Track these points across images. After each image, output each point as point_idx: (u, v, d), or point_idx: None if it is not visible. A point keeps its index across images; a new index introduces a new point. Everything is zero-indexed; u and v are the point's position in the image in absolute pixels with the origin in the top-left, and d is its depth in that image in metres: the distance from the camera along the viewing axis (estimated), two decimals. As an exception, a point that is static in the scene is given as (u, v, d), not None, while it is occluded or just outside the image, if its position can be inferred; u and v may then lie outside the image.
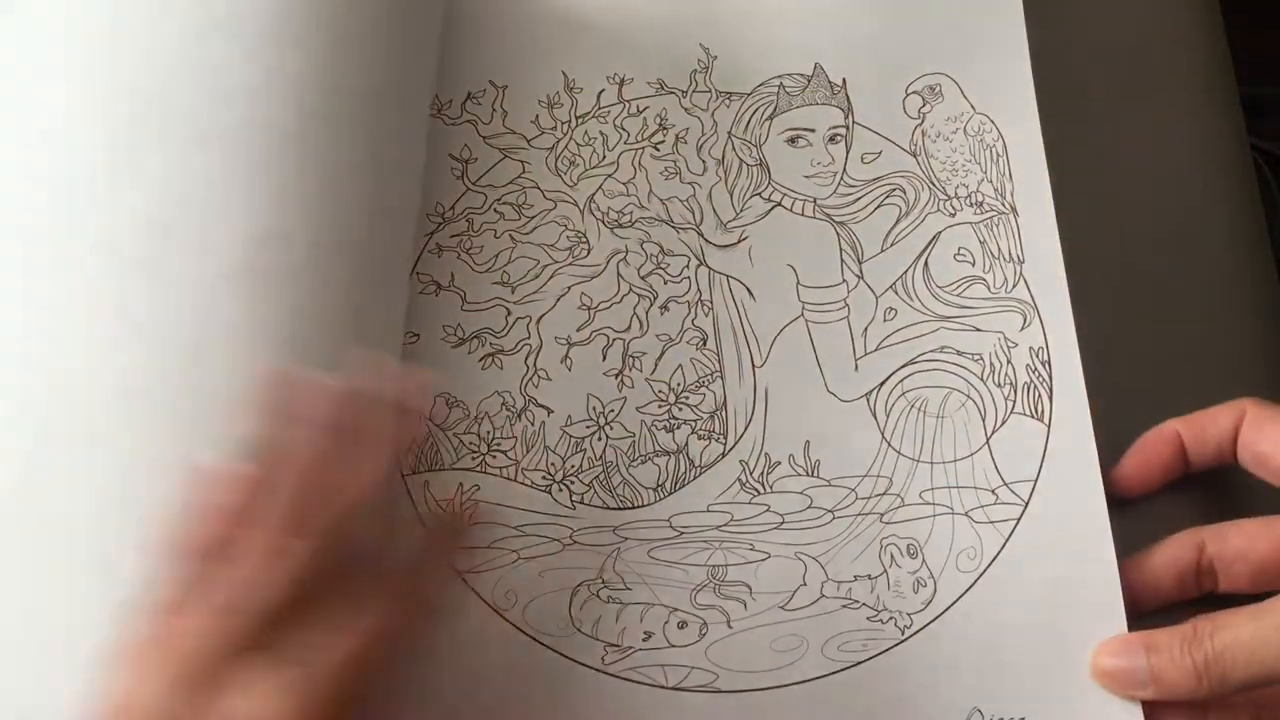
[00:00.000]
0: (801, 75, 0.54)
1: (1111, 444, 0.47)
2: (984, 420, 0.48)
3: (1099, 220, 0.52)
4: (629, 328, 0.50)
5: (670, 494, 0.47)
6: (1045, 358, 0.49)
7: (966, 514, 0.47)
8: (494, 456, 0.48)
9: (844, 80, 0.53)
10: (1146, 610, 0.46)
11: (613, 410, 0.48)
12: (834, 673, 0.44)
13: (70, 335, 0.41)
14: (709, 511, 0.47)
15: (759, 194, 0.52)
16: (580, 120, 0.53)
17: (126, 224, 0.42)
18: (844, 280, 0.51)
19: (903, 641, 0.45)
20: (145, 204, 0.42)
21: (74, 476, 0.40)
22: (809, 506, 0.47)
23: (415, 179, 0.48)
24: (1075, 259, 0.50)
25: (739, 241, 0.51)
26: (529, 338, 0.49)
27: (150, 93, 0.43)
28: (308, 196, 0.43)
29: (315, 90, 0.44)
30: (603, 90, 0.53)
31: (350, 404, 0.37)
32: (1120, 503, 0.47)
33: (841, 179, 0.52)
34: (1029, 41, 0.54)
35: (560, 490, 0.47)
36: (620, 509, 0.47)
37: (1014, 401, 0.48)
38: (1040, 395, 0.48)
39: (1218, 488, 0.48)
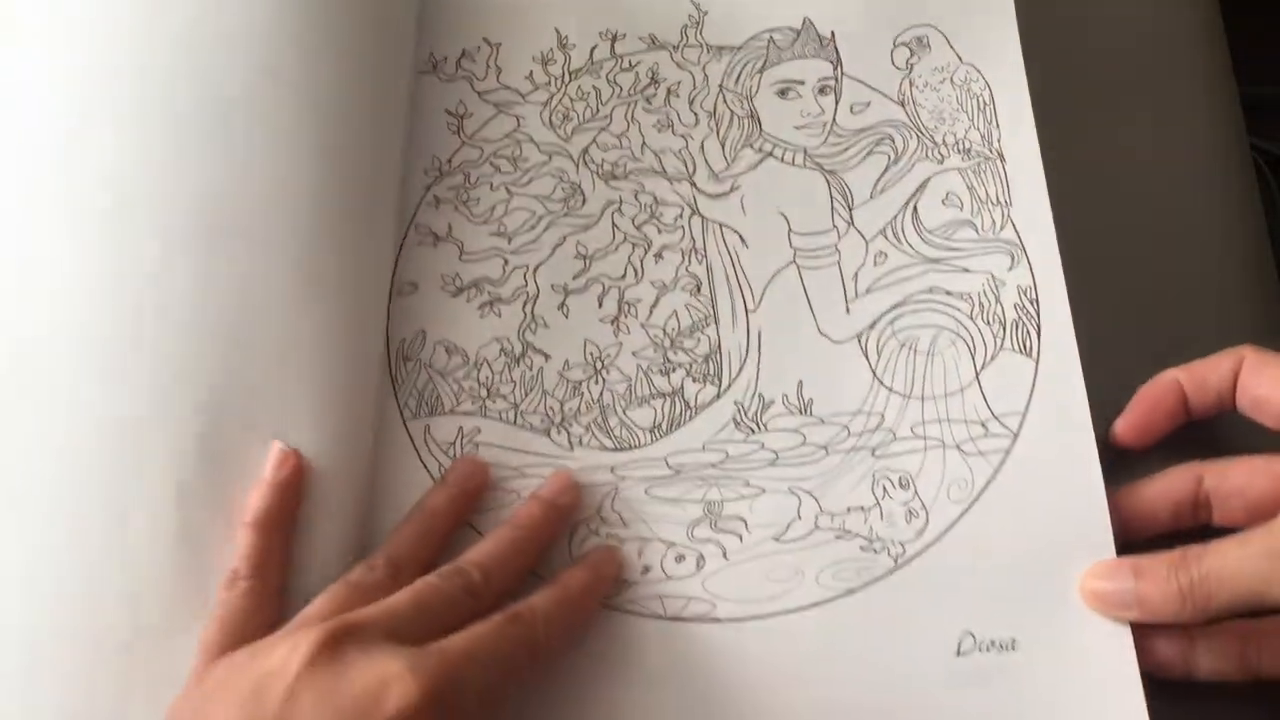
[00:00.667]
0: (791, 29, 0.54)
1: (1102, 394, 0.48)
2: (973, 357, 0.49)
3: (1099, 220, 0.53)
4: (624, 275, 0.51)
5: (667, 435, 0.48)
6: (1033, 296, 0.50)
7: (957, 446, 0.47)
8: (493, 401, 0.48)
9: (833, 33, 0.54)
10: (1141, 538, 0.46)
11: (609, 355, 0.49)
12: (828, 600, 0.45)
13: (31, 290, 0.44)
14: (705, 450, 0.48)
15: (750, 145, 0.53)
16: (574, 76, 0.54)
17: (87, 188, 0.44)
18: (834, 227, 0.51)
19: (896, 570, 0.46)
20: (105, 169, 0.44)
21: (30, 429, 0.43)
22: (802, 443, 0.48)
23: (392, 139, 0.50)
24: (1074, 258, 0.51)
25: (731, 191, 0.52)
26: (526, 286, 0.50)
27: (104, 62, 0.45)
28: (258, 156, 0.45)
29: (266, 50, 0.46)
30: (595, 46, 0.54)
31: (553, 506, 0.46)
32: (1118, 451, 0.48)
33: (831, 129, 0.53)
34: (1028, 40, 0.54)
35: (559, 433, 0.48)
36: (618, 450, 0.48)
37: (1003, 338, 0.49)
38: (1028, 331, 0.49)
39: (1215, 436, 0.49)
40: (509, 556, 0.43)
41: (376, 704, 0.36)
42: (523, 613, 0.41)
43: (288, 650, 0.37)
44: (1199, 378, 0.47)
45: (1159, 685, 0.44)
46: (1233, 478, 0.45)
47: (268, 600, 0.42)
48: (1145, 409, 0.47)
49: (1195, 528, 0.46)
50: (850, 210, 0.52)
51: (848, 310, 0.50)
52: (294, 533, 0.43)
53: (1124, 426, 0.48)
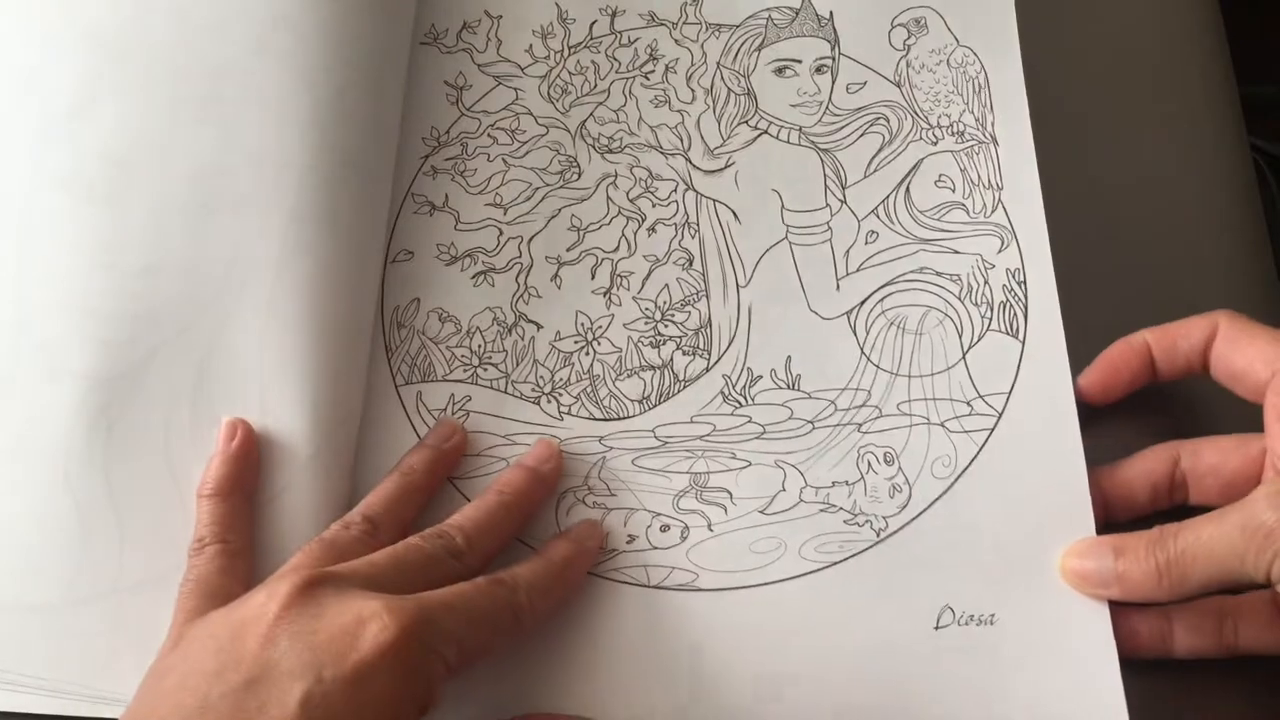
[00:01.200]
0: (789, 8, 0.55)
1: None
2: (961, 337, 0.49)
3: (1098, 219, 0.53)
4: (617, 248, 0.51)
5: (655, 406, 0.49)
6: (1021, 278, 0.50)
7: (942, 424, 0.48)
8: (485, 369, 0.49)
9: (831, 12, 0.55)
10: (1120, 519, 0.47)
11: (600, 327, 0.50)
12: (811, 572, 0.46)
13: (31, 258, 0.46)
14: (692, 422, 0.48)
15: (746, 122, 0.53)
16: (573, 50, 0.54)
17: (87, 162, 0.46)
18: (827, 205, 0.52)
19: (878, 543, 0.46)
20: (104, 144, 0.46)
21: (27, 389, 0.45)
22: (790, 417, 0.48)
23: (387, 110, 0.50)
24: (1074, 257, 0.51)
25: (726, 167, 0.52)
26: (520, 257, 0.51)
27: (109, 43, 0.47)
28: (249, 128, 0.46)
29: (259, 24, 0.47)
30: (595, 21, 0.54)
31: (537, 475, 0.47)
32: (1094, 414, 0.48)
33: (827, 108, 0.53)
34: (1029, 40, 0.55)
35: (549, 402, 0.49)
36: (606, 420, 0.48)
37: (990, 319, 0.50)
38: (1016, 313, 0.50)
39: (1189, 400, 0.49)
40: (492, 522, 0.44)
41: (352, 641, 0.36)
42: (504, 578, 0.42)
43: (264, 597, 0.38)
44: (1169, 341, 0.47)
45: (1136, 661, 0.45)
46: (1206, 457, 0.46)
47: (236, 559, 0.43)
48: (1109, 367, 0.48)
49: (1173, 508, 0.47)
50: (843, 189, 0.52)
51: (838, 287, 0.51)
52: (253, 496, 0.44)
53: (1086, 382, 0.48)
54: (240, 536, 0.43)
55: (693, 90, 0.54)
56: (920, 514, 0.47)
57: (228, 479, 0.44)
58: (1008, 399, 0.48)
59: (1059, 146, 0.53)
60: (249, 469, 0.44)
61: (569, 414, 0.48)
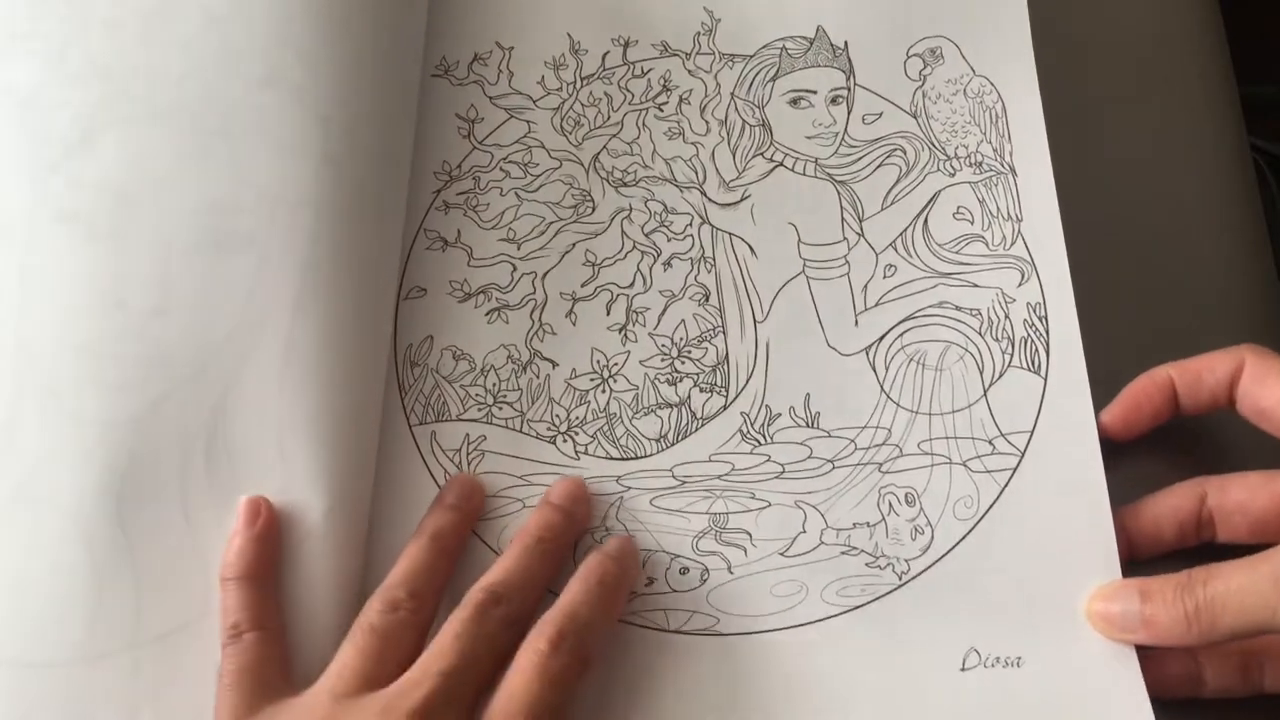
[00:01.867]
0: (804, 38, 0.54)
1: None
2: (982, 373, 0.49)
3: (1099, 220, 0.52)
4: (633, 284, 0.50)
5: (673, 445, 0.48)
6: (1042, 313, 0.50)
7: (964, 463, 0.47)
8: (500, 408, 0.48)
9: (846, 43, 0.54)
10: (1146, 557, 0.46)
11: (616, 364, 0.49)
12: (833, 616, 0.45)
13: (34, 297, 0.44)
14: (710, 461, 0.48)
15: (761, 154, 0.53)
16: (585, 81, 0.53)
17: (90, 196, 0.45)
18: (844, 238, 0.51)
19: (900, 586, 0.46)
20: (107, 177, 0.45)
21: (35, 434, 0.43)
22: (809, 456, 0.48)
23: (398, 144, 0.50)
24: (1074, 258, 0.51)
25: (741, 200, 0.52)
26: (534, 293, 0.50)
27: (111, 73, 0.46)
28: (260, 164, 0.45)
29: (268, 59, 0.46)
30: (607, 52, 0.54)
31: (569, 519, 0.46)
32: (1117, 450, 0.47)
33: (843, 139, 0.53)
34: (1032, 37, 0.54)
35: (565, 441, 0.48)
36: (624, 459, 0.48)
37: (1011, 355, 0.49)
38: (1037, 349, 0.49)
39: (1216, 434, 0.49)
40: (537, 570, 0.43)
41: None
42: (566, 631, 0.41)
43: None
44: (1193, 376, 0.46)
45: (1160, 700, 0.44)
46: (1234, 494, 0.45)
47: (275, 642, 0.42)
48: (1132, 403, 0.47)
49: (1200, 545, 0.46)
50: (860, 221, 0.52)
51: (856, 323, 0.50)
52: (278, 576, 0.43)
53: (1109, 418, 0.47)
54: (275, 620, 0.42)
55: (707, 122, 0.53)
56: (943, 556, 0.46)
57: (256, 561, 0.42)
58: (1030, 437, 0.48)
59: (1057, 148, 0.52)
60: (274, 546, 0.43)
61: (585, 453, 0.48)
